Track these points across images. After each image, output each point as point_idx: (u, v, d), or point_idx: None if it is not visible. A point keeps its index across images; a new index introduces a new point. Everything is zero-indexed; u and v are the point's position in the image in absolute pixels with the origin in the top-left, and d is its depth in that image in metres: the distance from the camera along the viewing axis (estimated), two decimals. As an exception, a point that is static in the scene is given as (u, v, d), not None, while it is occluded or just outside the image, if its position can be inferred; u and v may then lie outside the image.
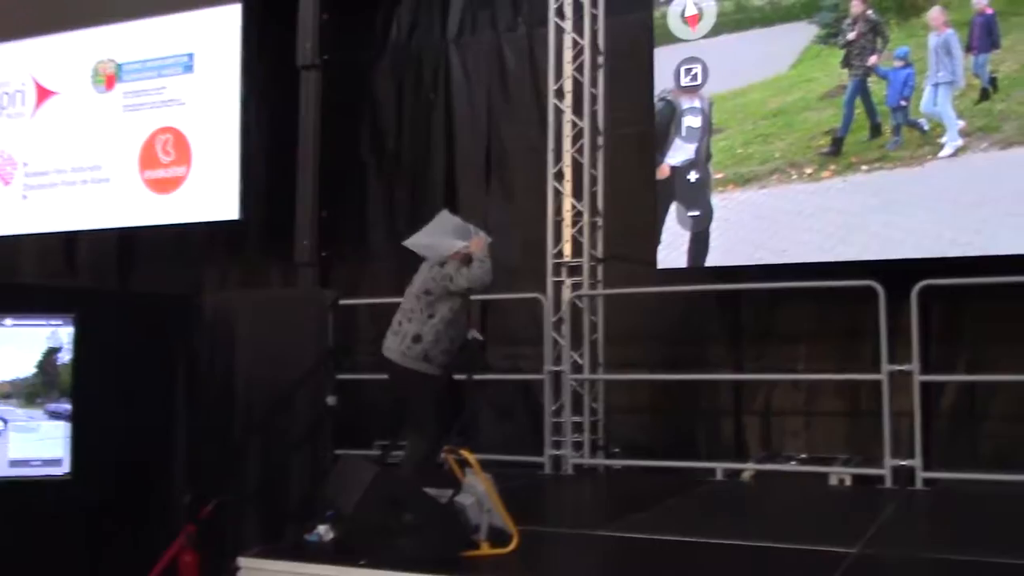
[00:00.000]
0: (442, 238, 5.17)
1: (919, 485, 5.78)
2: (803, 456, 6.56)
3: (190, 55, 8.07)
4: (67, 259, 9.25)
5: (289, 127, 7.52)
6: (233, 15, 7.90)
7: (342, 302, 7.59)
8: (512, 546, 4.22)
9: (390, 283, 7.94)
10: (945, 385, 6.33)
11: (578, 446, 6.90)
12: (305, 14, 7.08)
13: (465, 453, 4.41)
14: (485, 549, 4.20)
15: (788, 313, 6.86)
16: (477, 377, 7.22)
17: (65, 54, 8.70)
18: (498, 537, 4.25)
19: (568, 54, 7.20)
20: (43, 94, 8.78)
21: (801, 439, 6.87)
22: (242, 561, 4.24)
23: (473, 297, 5.52)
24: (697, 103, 6.86)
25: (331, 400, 6.16)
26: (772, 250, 6.54)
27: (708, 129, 6.82)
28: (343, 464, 4.61)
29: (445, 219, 5.32)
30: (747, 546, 4.38)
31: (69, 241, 9.17)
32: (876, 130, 6.37)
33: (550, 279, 7.12)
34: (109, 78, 8.42)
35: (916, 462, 5.82)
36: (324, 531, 4.39)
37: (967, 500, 5.62)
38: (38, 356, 5.05)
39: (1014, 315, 6.17)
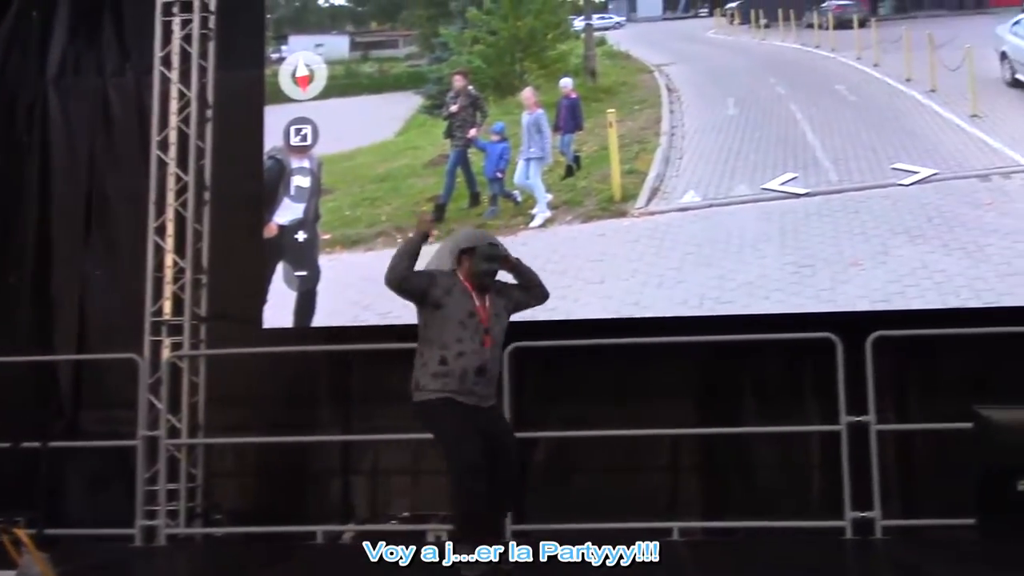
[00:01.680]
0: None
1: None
2: (406, 514, 6.64)
3: None
4: None
5: None
6: None
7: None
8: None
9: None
10: (538, 441, 6.65)
11: (174, 515, 6.53)
12: None
13: (19, 532, 4.00)
14: (38, 633, 3.83)
15: (395, 374, 6.93)
16: (65, 445, 6.72)
17: None
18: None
19: (174, 104, 6.94)
20: None
21: (407, 498, 6.95)
22: None
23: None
24: (307, 163, 6.87)
25: None
26: (377, 312, 6.62)
27: (317, 190, 6.84)
28: None
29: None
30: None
31: None
32: (475, 199, 6.72)
33: (148, 338, 6.73)
34: None
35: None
36: None
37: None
38: None
39: (608, 376, 6.61)
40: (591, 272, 6.47)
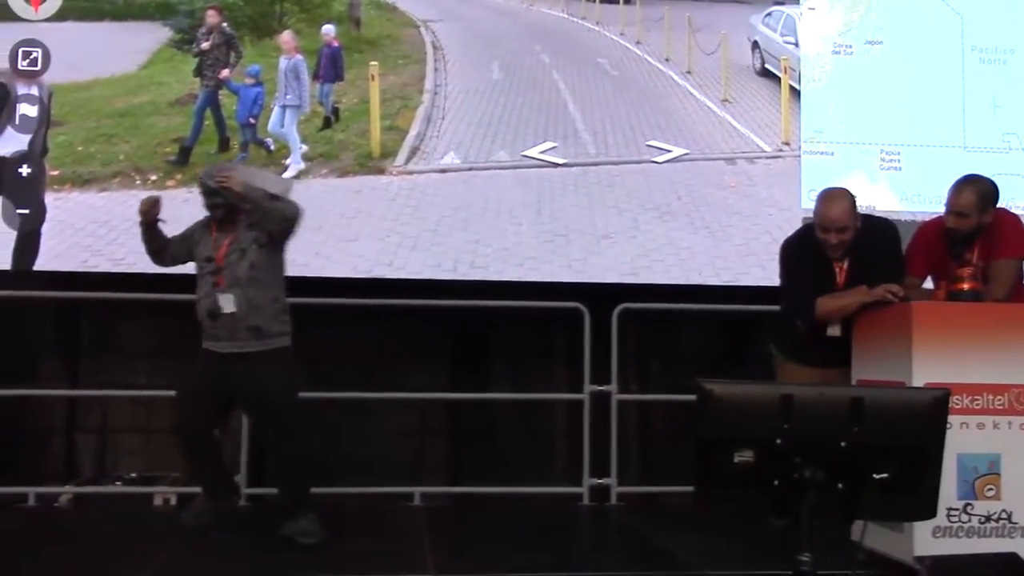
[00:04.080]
0: None
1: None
2: (133, 475, 6.23)
3: None
4: None
5: None
6: None
7: None
8: None
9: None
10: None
11: None
12: None
13: None
14: None
15: (131, 325, 6.50)
16: None
17: None
18: None
19: None
20: None
21: (139, 458, 6.52)
22: None
23: None
24: (35, 90, 6.23)
25: None
26: (110, 257, 6.13)
27: (46, 121, 6.23)
28: None
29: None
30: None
31: None
32: (225, 144, 6.32)
33: None
34: None
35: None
36: None
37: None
38: None
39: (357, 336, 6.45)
40: (344, 229, 6.25)
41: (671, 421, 6.50)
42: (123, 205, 6.19)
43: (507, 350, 6.63)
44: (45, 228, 6.16)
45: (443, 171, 6.33)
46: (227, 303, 4.39)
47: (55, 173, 6.21)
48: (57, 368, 6.49)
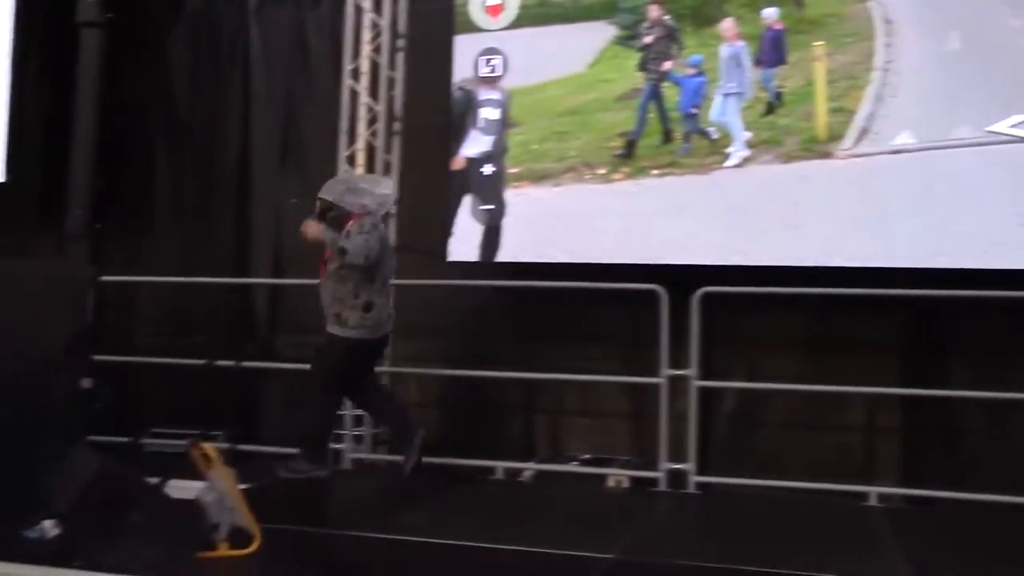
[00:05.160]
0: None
1: (692, 488, 5.88)
2: (585, 457, 6.55)
3: (-44, 2, 7.38)
4: None
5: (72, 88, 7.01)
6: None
7: (116, 279, 7.17)
8: (252, 547, 3.98)
9: (172, 262, 7.54)
10: (724, 391, 6.42)
11: (359, 440, 6.68)
12: (87, -35, 6.58)
13: (206, 446, 4.12)
14: (223, 550, 3.94)
15: (577, 313, 6.83)
16: (263, 365, 6.98)
17: None
18: (239, 537, 4.00)
19: (367, 34, 6.96)
20: None
21: (586, 440, 6.85)
22: (-58, 558, 3.82)
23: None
24: (496, 95, 6.74)
25: (86, 383, 5.73)
26: (563, 248, 6.49)
27: (505, 122, 6.72)
28: (72, 454, 4.23)
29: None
30: (507, 550, 4.27)
31: None
32: (667, 135, 6.41)
33: (338, 266, 6.84)
34: None
35: (690, 466, 5.91)
36: (48, 527, 4.02)
37: (738, 504, 5.73)
38: None
39: (791, 325, 6.33)
40: (788, 216, 6.09)
41: None
42: (574, 199, 6.53)
43: (965, 342, 6.09)
44: (505, 222, 6.65)
45: (896, 152, 5.94)
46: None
47: (514, 171, 6.68)
48: (514, 352, 6.99)
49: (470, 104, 6.79)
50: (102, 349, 6.73)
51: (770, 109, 6.25)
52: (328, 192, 5.48)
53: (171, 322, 7.53)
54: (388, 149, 7.00)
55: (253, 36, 7.70)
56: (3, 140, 7.19)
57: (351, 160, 6.93)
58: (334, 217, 5.39)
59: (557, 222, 6.54)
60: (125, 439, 6.16)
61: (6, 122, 7.22)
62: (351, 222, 5.32)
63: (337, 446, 6.53)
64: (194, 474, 4.16)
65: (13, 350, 5.26)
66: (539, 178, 6.61)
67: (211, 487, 4.04)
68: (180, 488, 4.30)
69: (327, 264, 5.43)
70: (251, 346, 7.26)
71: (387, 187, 5.79)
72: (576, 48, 6.63)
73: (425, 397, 7.05)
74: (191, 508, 4.01)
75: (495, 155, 6.72)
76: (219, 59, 7.79)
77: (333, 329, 5.40)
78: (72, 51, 7.17)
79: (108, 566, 3.66)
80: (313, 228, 5.34)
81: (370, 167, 6.93)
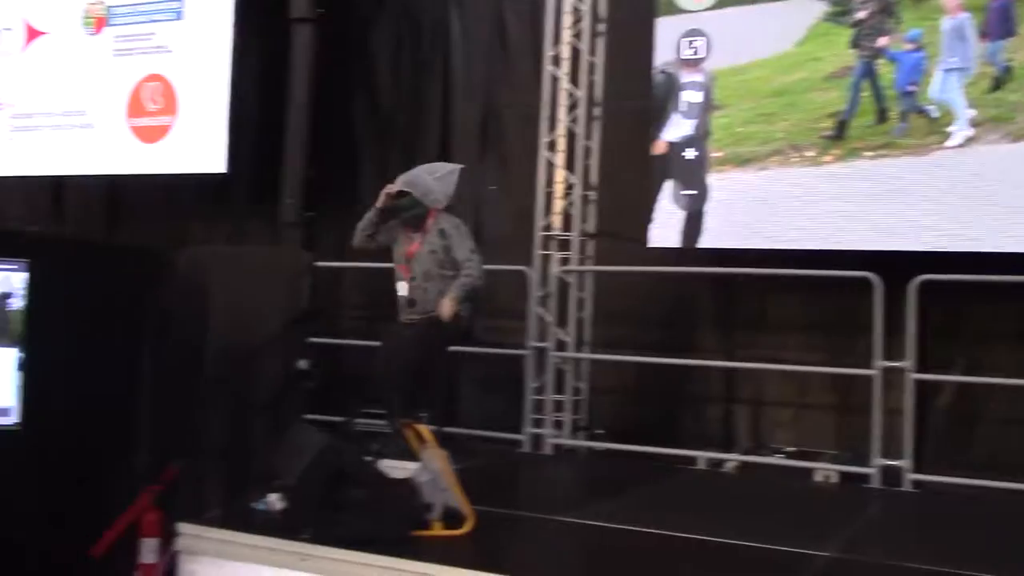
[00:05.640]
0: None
1: (907, 487, 5.60)
2: (790, 449, 6.35)
3: (181, 1, 7.87)
4: (54, 205, 9.06)
5: (284, 81, 7.33)
6: (227, -38, 7.67)
7: (325, 264, 7.45)
8: (466, 528, 4.06)
9: (376, 249, 7.77)
10: (941, 385, 6.09)
11: (559, 425, 6.72)
12: (302, -34, 6.87)
13: (421, 428, 4.22)
14: (437, 530, 4.03)
15: (782, 301, 6.63)
16: (459, 349, 7.11)
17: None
18: (452, 518, 4.08)
19: (567, 20, 6.94)
20: (32, 34, 8.59)
21: (789, 432, 6.64)
22: (182, 527, 4.08)
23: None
24: (698, 77, 6.59)
25: (303, 364, 5.98)
26: (768, 235, 6.29)
27: (708, 105, 6.56)
28: (295, 431, 4.43)
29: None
30: (713, 542, 4.18)
31: (57, 187, 8.99)
32: (882, 115, 6.09)
33: (537, 252, 6.88)
34: (99, 20, 8.24)
35: (906, 463, 5.64)
36: (274, 500, 4.23)
37: (956, 505, 5.44)
38: (-14, 298, 4.84)
39: (1016, 316, 5.95)
40: (1016, 199, 5.68)
41: None
42: (780, 183, 6.32)
43: None
44: (707, 207, 6.51)
45: None
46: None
47: (717, 155, 6.52)
48: (715, 340, 6.85)
49: (672, 87, 6.66)
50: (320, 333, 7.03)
51: (998, 84, 5.84)
52: (410, 186, 5.41)
53: (374, 306, 7.78)
54: (588, 135, 6.99)
55: (453, 26, 7.83)
56: (225, 134, 7.59)
57: (551, 146, 6.95)
58: (414, 216, 5.41)
59: (762, 207, 6.34)
60: (338, 419, 6.40)
61: (227, 117, 7.62)
62: (430, 219, 5.38)
63: (537, 431, 6.59)
64: (403, 454, 4.28)
65: (239, 330, 5.60)
66: (743, 162, 6.42)
67: (425, 467, 4.13)
68: (391, 467, 4.43)
69: (411, 241, 5.43)
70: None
71: (451, 181, 5.58)
72: (782, 27, 6.39)
73: (622, 383, 7.01)
74: (405, 487, 4.11)
75: (697, 139, 6.58)
76: (420, 49, 7.97)
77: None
78: (284, 46, 7.51)
79: (331, 540, 3.81)
80: (448, 307, 5.27)
81: (570, 153, 6.94)
